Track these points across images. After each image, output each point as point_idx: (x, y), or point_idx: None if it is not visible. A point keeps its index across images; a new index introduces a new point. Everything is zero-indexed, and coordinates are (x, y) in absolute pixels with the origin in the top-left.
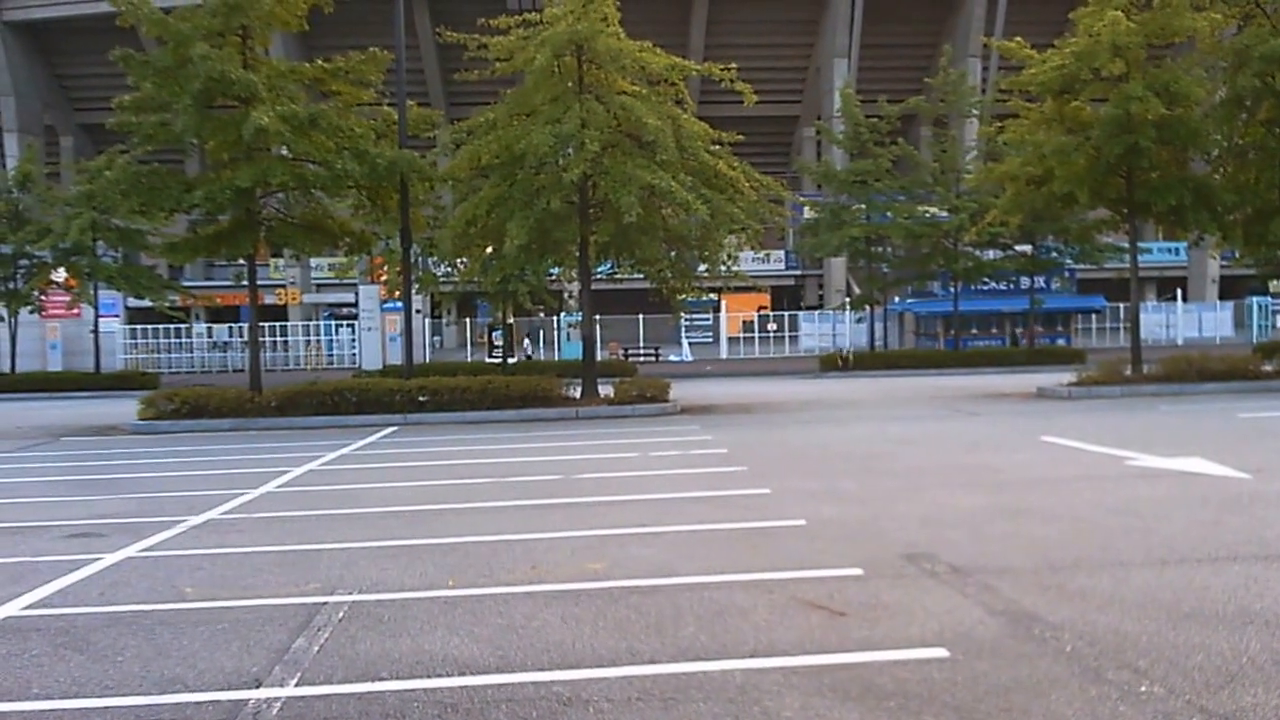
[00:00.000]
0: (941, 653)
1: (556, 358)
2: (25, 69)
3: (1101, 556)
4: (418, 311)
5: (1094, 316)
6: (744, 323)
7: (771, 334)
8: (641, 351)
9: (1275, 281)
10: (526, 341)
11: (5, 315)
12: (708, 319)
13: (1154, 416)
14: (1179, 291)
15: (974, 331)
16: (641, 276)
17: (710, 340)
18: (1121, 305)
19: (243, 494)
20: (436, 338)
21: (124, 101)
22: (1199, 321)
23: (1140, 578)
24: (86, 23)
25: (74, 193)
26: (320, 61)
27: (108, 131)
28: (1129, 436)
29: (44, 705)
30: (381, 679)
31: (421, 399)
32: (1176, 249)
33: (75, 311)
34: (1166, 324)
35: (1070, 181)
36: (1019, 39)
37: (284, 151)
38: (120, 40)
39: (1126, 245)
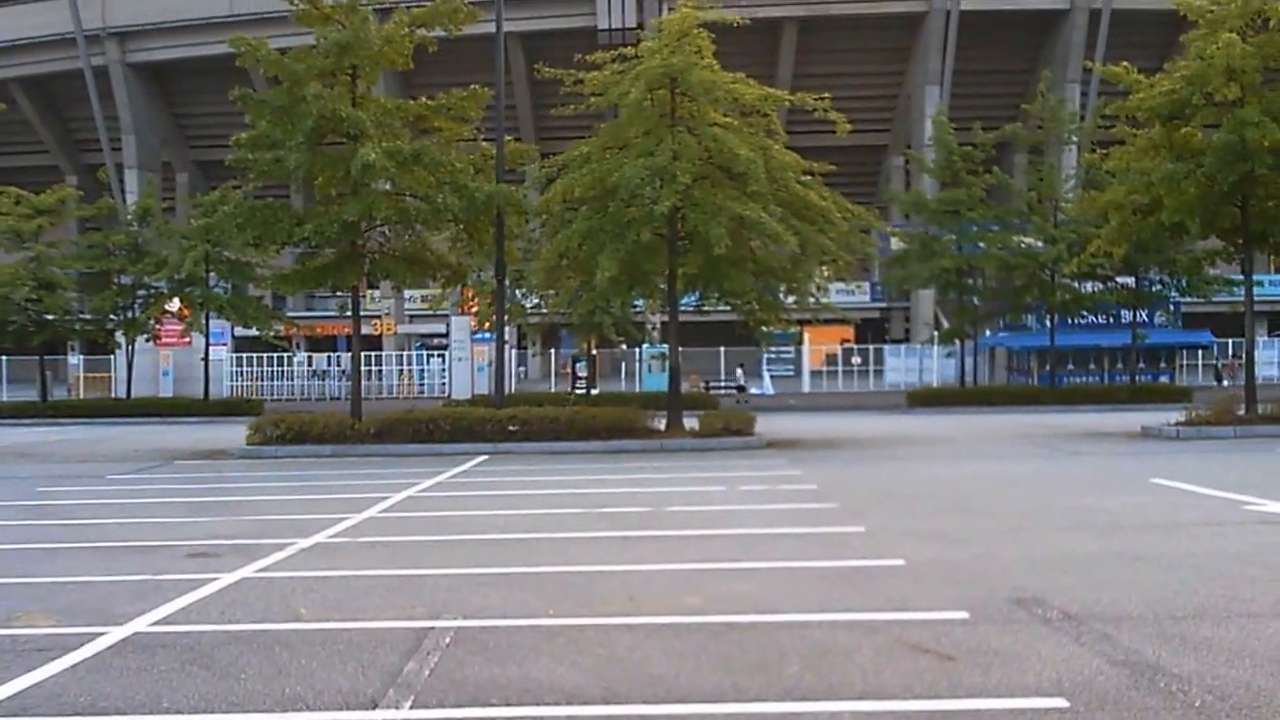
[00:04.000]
0: (1061, 703)
1: (638, 389)
2: (146, 108)
3: (1227, 606)
4: (505, 342)
5: (1200, 353)
6: (827, 356)
7: (855, 368)
8: (723, 384)
9: None
10: (739, 372)
11: (123, 343)
12: (790, 352)
13: (1271, 459)
14: None
15: (1070, 367)
16: (725, 308)
17: (792, 373)
18: (1230, 341)
19: (347, 518)
20: (521, 368)
21: (241, 139)
22: None
23: (1271, 629)
24: (204, 64)
25: (190, 226)
26: (424, 99)
27: (220, 167)
28: (1246, 480)
29: None
30: (491, 704)
31: (511, 428)
32: None
33: (187, 340)
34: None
35: (1180, 211)
36: (1126, 64)
37: (388, 186)
38: (235, 80)
39: (1235, 277)
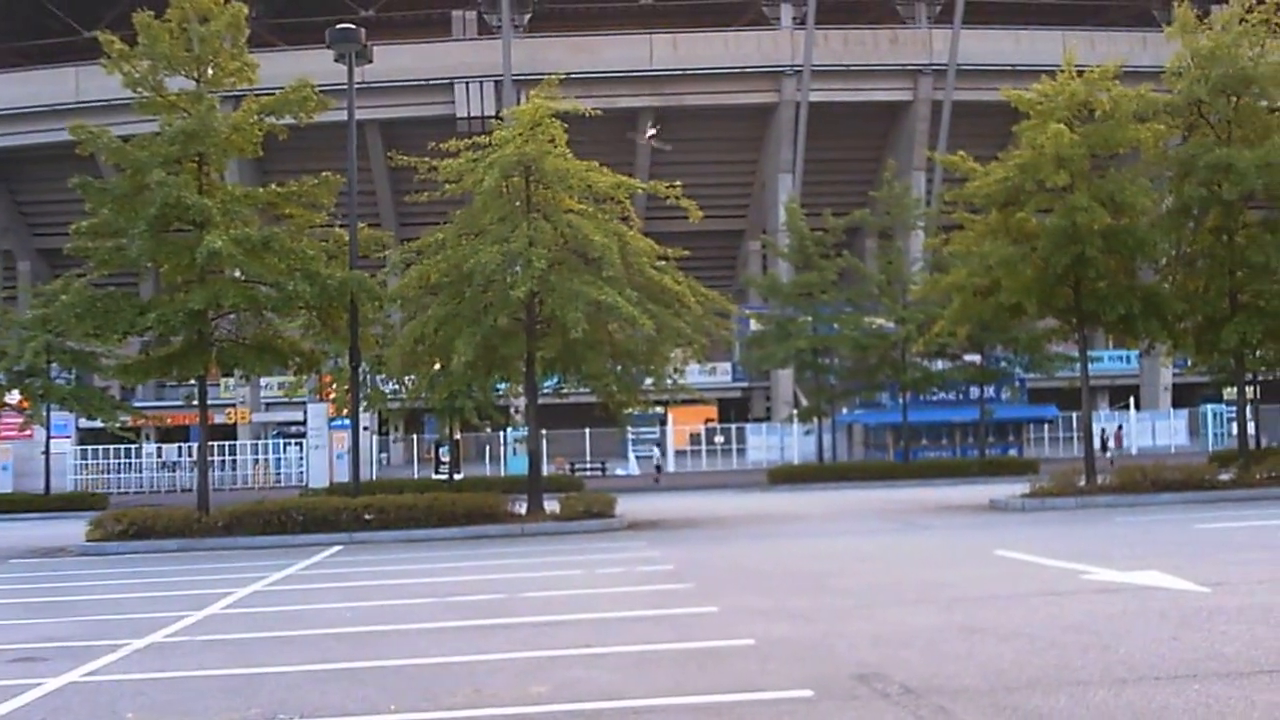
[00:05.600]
0: None
1: (503, 473)
2: None
3: (1058, 675)
4: (365, 429)
5: (1046, 426)
6: (691, 435)
7: (719, 447)
8: (588, 466)
9: (1229, 389)
10: (657, 451)
11: None
12: (654, 432)
13: (1110, 528)
14: (1132, 400)
15: (924, 442)
16: (588, 391)
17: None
18: (1074, 414)
19: (188, 616)
20: (383, 454)
21: (81, 227)
22: (1153, 430)
23: (1098, 697)
24: (46, 151)
25: (30, 316)
26: (274, 186)
27: (64, 255)
28: (1085, 549)
29: None
30: None
31: (367, 517)
32: (1128, 357)
33: (28, 433)
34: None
35: (1017, 292)
36: (962, 153)
37: (237, 273)
38: (79, 168)
39: (1077, 354)
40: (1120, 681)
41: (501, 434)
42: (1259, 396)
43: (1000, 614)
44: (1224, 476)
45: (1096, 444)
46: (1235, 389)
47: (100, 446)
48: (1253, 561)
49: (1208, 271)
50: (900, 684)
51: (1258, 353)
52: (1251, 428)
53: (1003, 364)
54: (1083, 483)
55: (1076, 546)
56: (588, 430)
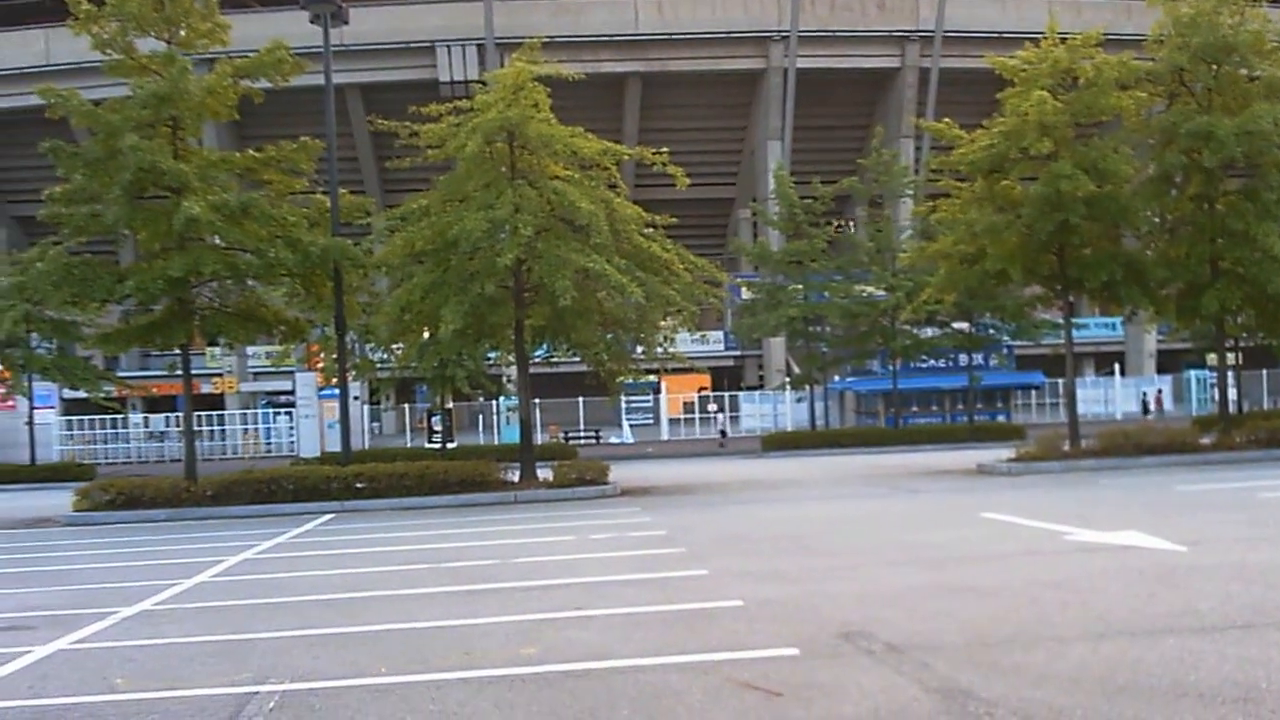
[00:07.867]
0: None
1: (497, 441)
2: None
3: (1037, 631)
4: (355, 398)
5: (1033, 392)
6: (684, 404)
7: (712, 414)
8: (582, 434)
9: (1212, 354)
10: (722, 417)
11: None
12: (648, 400)
13: (1092, 491)
14: (1117, 366)
15: (914, 409)
16: (579, 359)
17: (651, 421)
18: (1060, 380)
19: (177, 584)
20: (375, 423)
21: (54, 193)
22: (1138, 396)
23: (1075, 652)
24: (16, 115)
25: (6, 285)
26: (252, 151)
27: (40, 223)
28: (1067, 511)
29: None
30: None
31: (359, 486)
32: (1114, 324)
33: (9, 404)
34: (1105, 399)
35: (1003, 259)
36: (948, 120)
37: (216, 240)
38: (51, 132)
39: (1062, 321)
40: (1097, 636)
41: (495, 403)
42: (1240, 362)
43: (983, 573)
44: (1205, 440)
45: (1136, 407)
46: (1216, 355)
47: (86, 417)
48: (1229, 522)
49: (1189, 239)
50: (884, 641)
51: (1238, 319)
52: (1233, 393)
53: (990, 331)
54: (1067, 447)
55: (1059, 508)
56: (581, 399)
